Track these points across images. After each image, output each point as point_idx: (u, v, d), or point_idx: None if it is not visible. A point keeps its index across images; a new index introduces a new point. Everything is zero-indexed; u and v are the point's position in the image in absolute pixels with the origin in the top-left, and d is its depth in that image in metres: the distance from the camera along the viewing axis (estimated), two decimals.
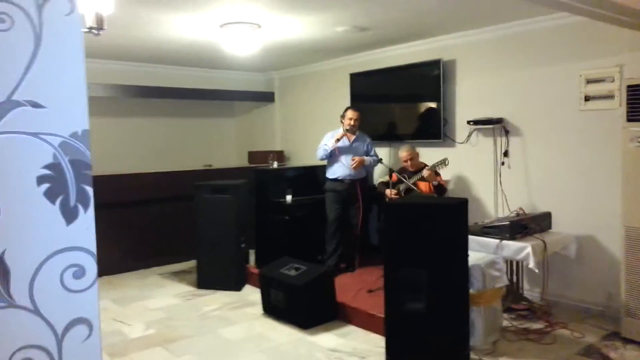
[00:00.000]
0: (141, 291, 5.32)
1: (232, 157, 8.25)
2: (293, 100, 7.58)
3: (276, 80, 7.80)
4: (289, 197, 5.21)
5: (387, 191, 5.16)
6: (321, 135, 6.89)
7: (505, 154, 4.92)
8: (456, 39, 5.30)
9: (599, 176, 4.28)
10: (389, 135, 5.94)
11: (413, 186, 4.90)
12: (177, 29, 4.78)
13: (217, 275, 5.23)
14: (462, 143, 5.31)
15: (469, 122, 5.02)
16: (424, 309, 3.21)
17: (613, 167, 4.11)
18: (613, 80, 4.16)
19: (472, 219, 5.11)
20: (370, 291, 4.64)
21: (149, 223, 6.15)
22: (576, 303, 4.42)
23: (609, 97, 4.19)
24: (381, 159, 5.15)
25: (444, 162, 4.67)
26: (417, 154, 5.14)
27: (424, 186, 4.97)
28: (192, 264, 6.24)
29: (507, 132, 4.88)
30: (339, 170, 5.24)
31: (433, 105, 5.47)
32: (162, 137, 7.37)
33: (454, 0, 4.05)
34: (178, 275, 5.90)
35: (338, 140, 5.17)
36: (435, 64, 5.36)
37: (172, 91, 6.98)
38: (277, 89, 7.81)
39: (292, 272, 4.33)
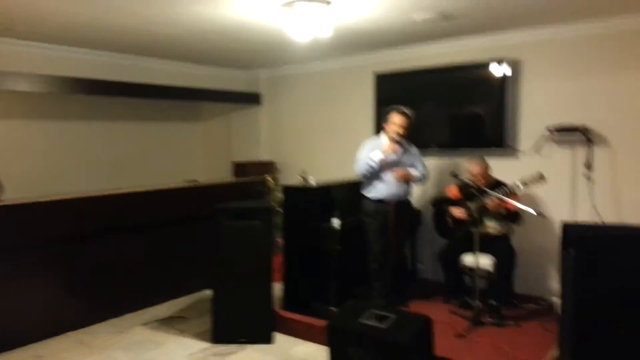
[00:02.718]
0: (135, 354, 3.88)
1: (198, 169, 6.87)
2: (287, 103, 6.43)
3: (263, 79, 6.59)
4: (336, 222, 4.09)
5: (455, 210, 4.27)
6: (328, 147, 5.98)
7: (588, 166, 4.26)
8: (523, 37, 4.57)
9: None
10: (434, 144, 5.05)
11: (486, 205, 4.05)
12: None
13: (239, 323, 3.97)
14: (527, 154, 4.59)
15: (550, 130, 4.30)
16: None
17: None
18: None
19: (547, 238, 4.53)
20: (460, 336, 3.71)
21: (115, 258, 4.66)
22: None
23: None
24: (453, 172, 4.20)
25: (540, 178, 3.86)
26: (489, 168, 4.30)
27: (495, 205, 4.13)
28: (179, 305, 4.89)
29: (590, 142, 4.23)
30: (384, 188, 4.20)
31: (495, 110, 4.68)
32: (112, 145, 5.85)
33: None
34: (170, 324, 4.48)
35: (387, 153, 4.13)
36: (499, 63, 4.60)
37: (128, 87, 5.41)
38: (264, 89, 6.61)
39: (381, 323, 3.24)
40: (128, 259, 4.72)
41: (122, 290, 4.68)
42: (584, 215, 4.26)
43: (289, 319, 4.20)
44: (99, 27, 4.26)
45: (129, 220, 4.71)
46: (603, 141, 4.21)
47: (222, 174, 6.52)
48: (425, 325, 3.30)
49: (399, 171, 4.15)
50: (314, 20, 3.58)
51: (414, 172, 4.27)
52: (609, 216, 4.16)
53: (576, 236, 2.61)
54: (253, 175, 5.97)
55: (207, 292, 4.79)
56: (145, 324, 4.49)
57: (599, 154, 4.22)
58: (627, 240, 2.47)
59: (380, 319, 3.32)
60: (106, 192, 4.67)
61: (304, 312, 4.22)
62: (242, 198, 5.49)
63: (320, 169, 5.44)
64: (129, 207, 4.73)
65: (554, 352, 3.40)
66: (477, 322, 3.86)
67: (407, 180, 4.22)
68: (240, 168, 6.10)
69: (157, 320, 4.56)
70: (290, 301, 4.41)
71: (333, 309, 4.08)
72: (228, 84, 6.30)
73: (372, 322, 3.29)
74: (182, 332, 4.30)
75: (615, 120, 4.16)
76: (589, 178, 4.25)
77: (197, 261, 5.06)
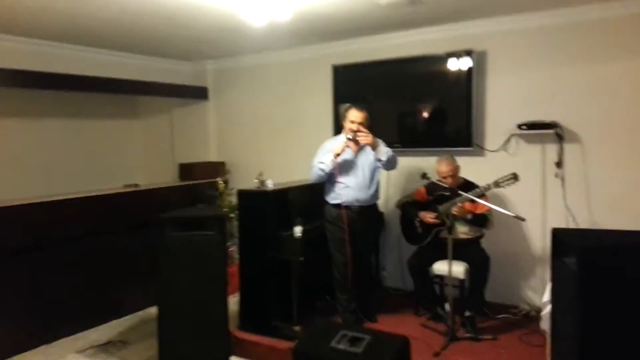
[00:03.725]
0: None
1: (139, 171, 6.26)
2: (238, 98, 5.91)
3: (210, 71, 6.05)
4: (298, 230, 3.68)
5: (425, 214, 3.97)
6: (286, 146, 5.55)
7: (558, 164, 4.07)
8: (488, 27, 4.31)
9: None
10: (396, 142, 4.68)
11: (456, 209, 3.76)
12: None
13: (190, 348, 3.48)
14: (494, 151, 4.36)
15: (520, 126, 4.06)
16: None
17: None
18: None
19: (517, 242, 4.33)
20: (436, 354, 3.41)
21: (45, 275, 4.06)
22: None
23: None
24: (425, 174, 3.86)
25: (513, 178, 3.60)
26: (459, 167, 4.03)
27: (470, 207, 3.87)
28: (119, 328, 4.37)
29: (560, 139, 4.04)
30: (344, 193, 3.81)
31: (460, 105, 4.41)
32: (40, 146, 5.17)
33: None
34: (109, 351, 3.94)
35: (338, 154, 3.74)
36: (463, 54, 4.32)
37: (57, 79, 4.69)
38: (212, 82, 6.07)
39: (355, 347, 2.87)
40: (60, 275, 4.14)
41: (54, 312, 4.10)
42: (556, 215, 4.07)
43: (247, 340, 3.78)
44: (18, 10, 3.64)
45: (61, 231, 4.14)
46: (574, 137, 4.02)
47: (166, 177, 5.94)
48: (402, 347, 2.96)
49: (366, 132, 3.67)
50: (271, 2, 3.16)
51: (382, 147, 3.78)
52: (582, 216, 3.99)
53: (573, 245, 2.34)
54: (201, 178, 5.46)
55: (152, 311, 4.27)
56: (80, 351, 3.93)
57: (570, 151, 4.03)
58: (630, 249, 2.23)
59: (353, 341, 2.95)
60: (33, 200, 4.09)
61: (264, 332, 3.80)
62: (189, 203, 5.01)
63: (278, 170, 5.02)
64: (60, 216, 4.16)
65: None
66: (452, 337, 3.57)
67: (370, 144, 3.70)
68: (187, 170, 5.57)
69: (93, 347, 4.00)
70: (248, 320, 3.97)
71: (297, 328, 3.69)
72: (171, 76, 5.73)
73: (344, 347, 2.91)
74: (124, 359, 3.78)
75: (585, 115, 3.97)
76: (557, 176, 4.07)
77: (139, 276, 4.53)
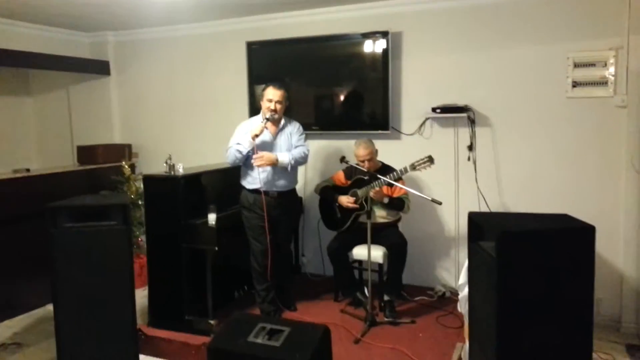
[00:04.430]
0: None
1: (32, 155, 5.67)
2: (145, 74, 5.47)
3: (111, 44, 5.53)
4: (212, 217, 3.44)
5: (343, 199, 3.89)
6: (200, 128, 5.26)
7: (470, 147, 4.16)
8: (403, 6, 4.29)
9: (588, 170, 3.84)
10: (314, 124, 4.58)
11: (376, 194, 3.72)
12: None
13: (93, 348, 3.17)
14: (410, 135, 4.37)
15: (434, 110, 4.07)
16: None
17: (606, 162, 3.74)
18: (605, 65, 3.73)
19: (431, 225, 4.40)
20: (357, 341, 3.37)
21: None
22: None
23: (601, 83, 3.77)
24: (344, 158, 3.77)
25: (429, 161, 3.60)
26: (376, 151, 3.97)
27: (387, 191, 3.85)
28: (13, 328, 3.97)
29: (472, 122, 4.12)
30: (262, 177, 3.62)
31: (376, 88, 4.35)
32: None
33: None
34: (2, 357, 3.53)
35: (257, 135, 3.53)
36: (379, 35, 4.26)
37: None
38: (114, 56, 5.55)
39: (274, 341, 2.74)
40: None
41: None
42: (468, 198, 4.17)
43: (158, 337, 3.52)
44: None
45: None
46: (485, 121, 4.12)
47: (64, 161, 5.40)
48: (323, 338, 2.87)
49: (260, 157, 3.54)
50: None
51: (282, 157, 3.63)
52: (492, 199, 4.11)
53: (492, 230, 2.36)
54: (104, 162, 5.01)
55: (50, 309, 3.88)
56: None
57: (482, 135, 4.13)
58: (548, 235, 2.27)
59: (272, 334, 2.81)
60: None
61: (176, 327, 3.57)
62: (90, 190, 4.57)
63: (190, 154, 4.72)
64: None
65: (459, 351, 3.22)
66: (372, 322, 3.56)
67: (269, 165, 3.59)
68: (87, 153, 5.07)
69: None
70: (158, 315, 3.70)
71: (212, 322, 3.49)
72: (66, 49, 5.16)
73: (262, 340, 2.77)
74: None
75: (495, 99, 4.07)
76: (469, 159, 4.16)
77: (35, 271, 4.09)
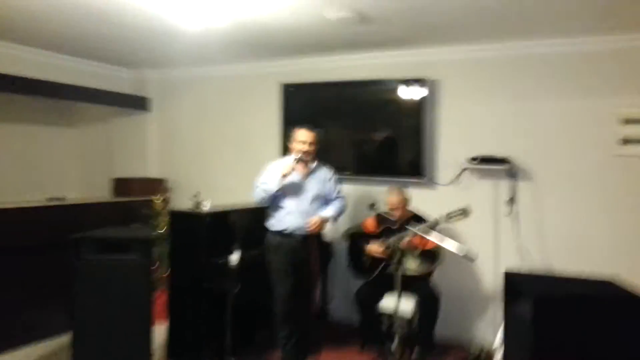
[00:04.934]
0: None
1: (73, 185, 5.77)
2: (182, 111, 5.57)
3: (152, 81, 5.67)
4: (235, 257, 3.35)
5: (373, 247, 3.74)
6: (230, 165, 5.25)
7: (511, 201, 3.97)
8: (442, 55, 4.24)
9: (638, 233, 3.58)
10: (347, 168, 4.49)
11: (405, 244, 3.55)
12: None
13: None
14: (446, 185, 4.22)
15: (473, 159, 3.94)
16: None
17: None
18: None
19: (468, 280, 4.18)
20: None
21: None
22: None
23: None
24: (373, 205, 3.63)
25: (463, 214, 3.44)
26: (409, 199, 3.84)
27: (420, 242, 3.67)
28: (32, 356, 3.94)
29: (513, 175, 3.94)
30: (288, 219, 3.54)
31: (412, 134, 4.26)
32: None
33: None
34: None
35: (285, 175, 3.49)
36: (417, 82, 4.21)
37: None
38: (153, 93, 5.69)
39: None
40: None
41: None
42: (509, 254, 3.94)
43: None
44: None
45: None
46: (527, 174, 3.94)
47: (101, 192, 5.48)
48: None
49: (312, 221, 3.52)
50: (205, 7, 2.91)
51: (329, 212, 3.63)
52: (535, 256, 3.88)
53: (528, 292, 2.17)
54: (138, 195, 5.04)
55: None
56: None
57: (523, 189, 3.94)
58: (586, 299, 2.07)
59: None
60: None
61: None
62: (122, 222, 4.58)
63: (222, 191, 4.70)
64: None
65: None
66: None
67: (321, 227, 3.59)
68: (122, 185, 5.14)
69: None
70: (176, 352, 3.61)
71: None
72: (108, 83, 5.31)
73: None
74: None
75: (539, 152, 3.91)
76: (512, 214, 3.96)
77: (58, 299, 4.06)
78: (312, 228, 3.51)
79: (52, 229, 4.12)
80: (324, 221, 3.58)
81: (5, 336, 3.87)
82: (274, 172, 3.57)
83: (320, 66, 4.71)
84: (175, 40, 4.16)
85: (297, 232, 3.55)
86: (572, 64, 3.80)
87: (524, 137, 3.95)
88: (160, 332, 3.54)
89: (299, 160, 3.51)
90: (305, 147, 3.54)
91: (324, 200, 3.70)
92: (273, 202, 3.58)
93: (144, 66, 5.48)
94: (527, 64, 3.94)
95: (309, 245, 3.60)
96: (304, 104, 4.72)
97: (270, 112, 4.89)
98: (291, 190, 3.55)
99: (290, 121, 4.57)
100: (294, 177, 3.56)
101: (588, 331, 2.02)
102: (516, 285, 2.35)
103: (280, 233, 3.56)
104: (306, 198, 3.59)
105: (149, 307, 3.19)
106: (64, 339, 4.07)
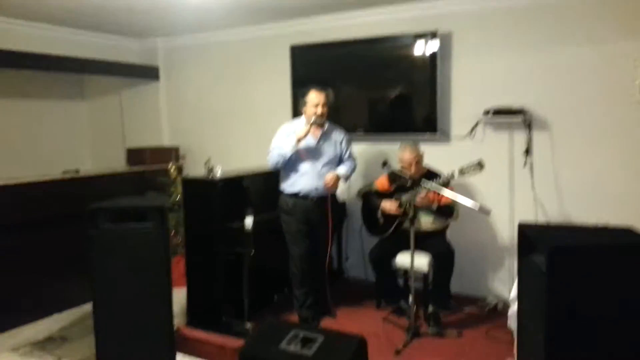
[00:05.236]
0: None
1: (86, 157, 5.84)
2: (192, 78, 5.52)
3: (161, 50, 5.63)
4: (249, 221, 3.38)
5: (386, 205, 3.73)
6: (242, 131, 5.24)
7: (527, 152, 3.89)
8: (452, 6, 4.08)
9: None
10: (359, 127, 4.45)
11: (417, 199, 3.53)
12: None
13: (131, 346, 3.16)
14: (460, 139, 4.14)
15: (486, 112, 3.85)
16: None
17: None
18: None
19: (483, 233, 4.14)
20: (398, 352, 3.19)
21: None
22: None
23: None
24: (386, 162, 3.59)
25: (478, 166, 3.39)
26: (423, 155, 3.79)
27: (435, 197, 3.64)
28: (60, 323, 4.05)
29: (529, 126, 3.85)
30: (302, 181, 3.57)
31: (424, 89, 4.16)
32: None
33: None
34: (47, 349, 3.59)
35: (301, 139, 3.49)
36: (428, 36, 4.07)
37: None
38: (163, 62, 5.65)
39: (306, 349, 2.62)
40: None
41: None
42: (524, 206, 3.89)
43: (194, 338, 3.49)
44: None
45: None
46: (543, 124, 3.84)
47: (115, 163, 5.53)
48: (358, 349, 2.72)
49: (329, 177, 3.54)
50: None
51: (342, 170, 3.66)
52: (551, 207, 3.82)
53: (541, 244, 2.13)
54: (152, 164, 5.08)
55: None
56: (15, 349, 3.59)
57: (539, 139, 3.85)
58: (605, 251, 2.03)
59: (305, 342, 2.69)
60: None
61: (213, 329, 3.52)
62: (138, 192, 4.64)
63: (234, 156, 4.72)
64: None
65: None
66: (415, 333, 3.37)
67: (336, 185, 3.62)
68: (136, 155, 5.17)
69: (31, 344, 3.66)
70: (195, 315, 3.68)
71: (248, 325, 3.42)
72: (118, 54, 5.30)
73: (294, 349, 2.66)
74: (61, 358, 3.44)
75: (555, 101, 3.78)
76: (528, 165, 3.88)
77: (81, 268, 4.16)
78: (329, 184, 3.53)
79: (68, 201, 4.19)
80: (339, 178, 3.60)
81: (28, 308, 4.01)
82: (287, 134, 3.57)
83: (328, 25, 4.59)
84: (180, 7, 4.09)
85: (312, 194, 3.57)
86: (587, 10, 3.63)
87: (539, 87, 3.82)
88: (179, 297, 3.61)
89: (313, 124, 3.50)
90: (319, 110, 3.52)
91: (337, 161, 3.70)
92: (287, 165, 3.58)
93: (151, 35, 5.42)
94: (540, 12, 3.78)
95: (323, 207, 3.62)
96: (313, 65, 4.64)
97: (280, 75, 4.82)
98: (307, 152, 3.54)
99: (300, 84, 4.51)
100: (309, 140, 3.56)
101: (605, 281, 1.98)
102: (531, 236, 2.31)
103: (294, 195, 3.58)
104: (320, 160, 3.59)
105: (167, 274, 3.24)
106: (86, 308, 4.23)
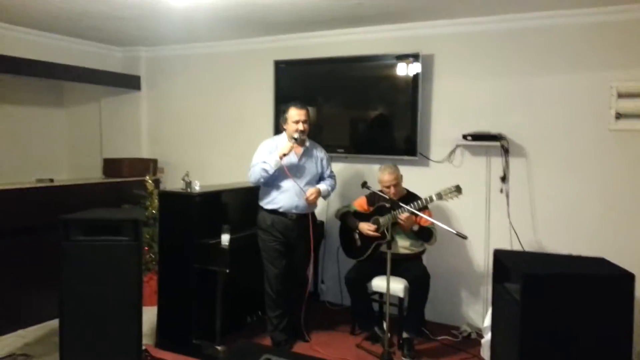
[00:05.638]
0: None
1: (63, 166, 5.72)
2: (174, 90, 5.47)
3: (143, 59, 5.58)
4: (225, 238, 3.32)
5: (364, 226, 3.71)
6: (224, 145, 5.19)
7: (503, 178, 3.93)
8: (435, 28, 4.14)
9: (633, 210, 3.55)
10: (339, 147, 4.44)
11: (399, 221, 3.53)
12: None
13: None
14: (439, 162, 4.17)
15: (465, 137, 3.88)
16: None
17: None
18: None
19: (459, 259, 4.15)
20: None
21: None
22: None
23: None
24: (366, 183, 3.57)
25: (457, 191, 3.41)
26: (402, 177, 3.79)
27: (409, 221, 3.62)
28: (24, 339, 3.92)
29: (506, 152, 3.90)
30: (282, 198, 3.53)
31: (405, 111, 4.19)
32: None
33: None
34: None
35: (285, 155, 3.45)
36: (410, 57, 4.11)
37: None
38: (145, 72, 5.59)
39: None
40: None
41: None
42: (500, 233, 3.92)
43: None
44: None
45: None
46: (520, 151, 3.89)
47: (90, 173, 5.42)
48: None
49: (311, 191, 3.53)
50: None
51: (323, 186, 3.66)
52: (526, 235, 3.85)
53: (517, 271, 2.14)
54: (129, 175, 4.99)
55: None
56: None
57: (516, 165, 3.89)
58: (579, 280, 2.04)
59: None
60: None
61: (183, 351, 3.44)
62: (113, 204, 4.55)
63: (214, 171, 4.66)
64: None
65: None
66: None
67: (316, 200, 3.62)
68: (113, 166, 5.07)
69: None
70: (165, 336, 3.59)
71: (219, 348, 3.35)
72: (100, 62, 5.22)
73: None
74: None
75: (532, 126, 3.84)
76: (502, 191, 3.92)
77: (49, 282, 4.04)
78: (310, 198, 3.52)
79: (41, 211, 4.08)
80: (320, 193, 3.60)
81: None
82: (269, 151, 3.54)
83: (313, 42, 4.61)
84: (165, 17, 4.06)
85: (292, 212, 3.54)
86: (566, 37, 3.71)
87: (518, 112, 3.88)
88: (149, 316, 3.52)
89: (296, 140, 3.49)
90: (300, 126, 3.52)
91: (317, 178, 3.70)
92: (266, 182, 3.55)
93: (135, 44, 5.37)
94: (521, 37, 3.86)
95: (302, 225, 3.59)
96: (296, 81, 4.65)
97: (263, 89, 4.81)
98: (289, 169, 3.51)
99: (283, 99, 4.50)
100: (291, 157, 3.54)
101: (578, 310, 2.00)
102: (505, 264, 2.33)
103: (274, 212, 3.54)
104: (302, 178, 3.57)
105: (139, 290, 3.16)
106: (52, 325, 4.09)
